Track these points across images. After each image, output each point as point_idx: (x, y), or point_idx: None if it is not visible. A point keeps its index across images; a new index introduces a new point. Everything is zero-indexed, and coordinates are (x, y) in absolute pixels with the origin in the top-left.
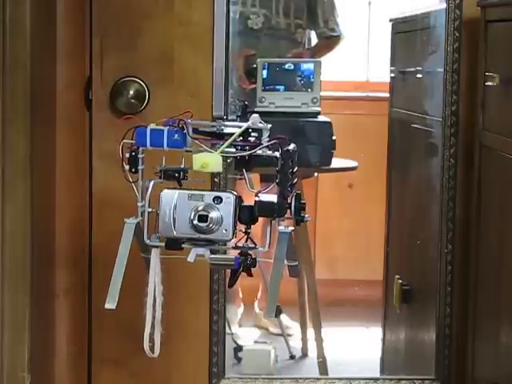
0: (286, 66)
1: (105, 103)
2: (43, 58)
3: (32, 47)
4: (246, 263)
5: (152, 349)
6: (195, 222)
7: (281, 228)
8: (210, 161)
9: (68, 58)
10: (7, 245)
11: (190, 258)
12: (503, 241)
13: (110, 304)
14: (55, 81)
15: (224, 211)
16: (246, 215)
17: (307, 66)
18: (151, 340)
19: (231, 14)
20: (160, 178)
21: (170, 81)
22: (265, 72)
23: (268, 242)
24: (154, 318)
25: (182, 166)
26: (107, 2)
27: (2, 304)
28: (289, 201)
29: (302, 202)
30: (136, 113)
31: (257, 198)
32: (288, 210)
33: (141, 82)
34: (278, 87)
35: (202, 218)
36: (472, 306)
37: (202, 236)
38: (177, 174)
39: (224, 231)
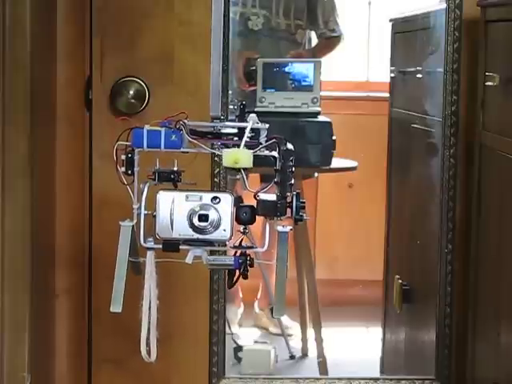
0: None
1: (105, 103)
2: (43, 58)
3: (32, 47)
4: (245, 263)
5: (149, 353)
6: (196, 222)
7: (280, 228)
8: (241, 156)
9: (68, 58)
10: (7, 245)
11: (188, 259)
12: (503, 241)
13: (116, 307)
14: (55, 81)
15: (222, 211)
16: (245, 215)
17: (307, 66)
18: (148, 344)
19: (231, 15)
20: (154, 179)
21: (170, 81)
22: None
23: (267, 241)
24: (149, 322)
25: (175, 169)
26: (107, 2)
27: (2, 304)
28: (289, 200)
29: (302, 201)
30: (136, 113)
31: (258, 198)
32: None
33: (141, 81)
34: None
35: (202, 218)
36: (472, 306)
37: (201, 237)
38: (172, 176)
39: (223, 231)
